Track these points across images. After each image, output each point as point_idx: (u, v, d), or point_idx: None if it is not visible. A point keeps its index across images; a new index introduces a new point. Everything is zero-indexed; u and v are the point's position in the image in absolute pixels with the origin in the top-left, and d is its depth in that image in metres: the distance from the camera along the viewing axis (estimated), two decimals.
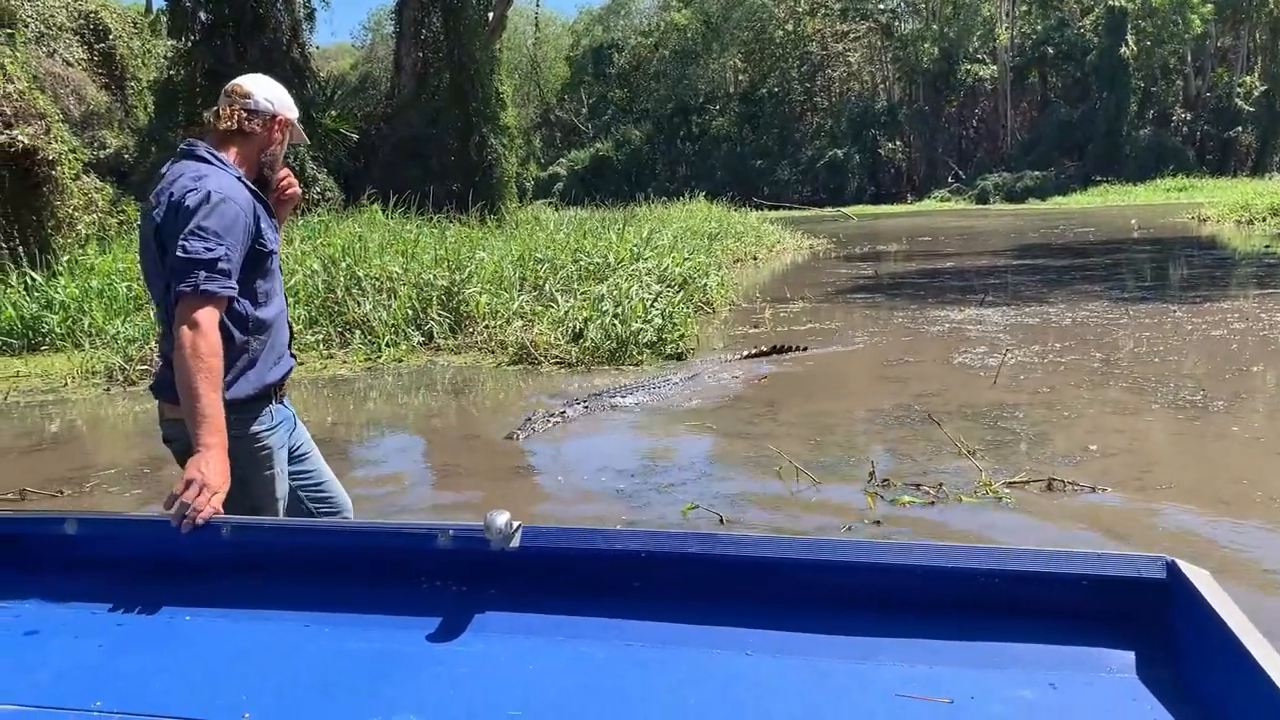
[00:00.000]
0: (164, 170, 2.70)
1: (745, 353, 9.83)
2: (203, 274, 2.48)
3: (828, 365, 9.47)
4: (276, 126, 2.81)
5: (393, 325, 10.62)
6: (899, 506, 5.14)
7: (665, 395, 8.11)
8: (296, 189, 2.98)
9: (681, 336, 10.33)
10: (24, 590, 1.89)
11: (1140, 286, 15.20)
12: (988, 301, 13.66)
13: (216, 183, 2.58)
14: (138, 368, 9.56)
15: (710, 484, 5.68)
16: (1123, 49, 49.92)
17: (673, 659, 1.60)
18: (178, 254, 2.49)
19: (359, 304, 10.93)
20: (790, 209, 43.15)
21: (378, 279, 11.44)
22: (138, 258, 2.85)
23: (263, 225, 2.70)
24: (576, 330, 10.13)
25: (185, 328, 2.45)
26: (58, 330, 11.18)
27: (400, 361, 10.05)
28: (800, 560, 1.73)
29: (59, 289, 11.75)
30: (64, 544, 1.99)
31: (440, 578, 1.85)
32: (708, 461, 6.25)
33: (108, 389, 9.24)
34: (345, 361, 10.10)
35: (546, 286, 11.95)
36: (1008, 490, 5.30)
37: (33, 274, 12.27)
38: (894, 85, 60.81)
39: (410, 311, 10.87)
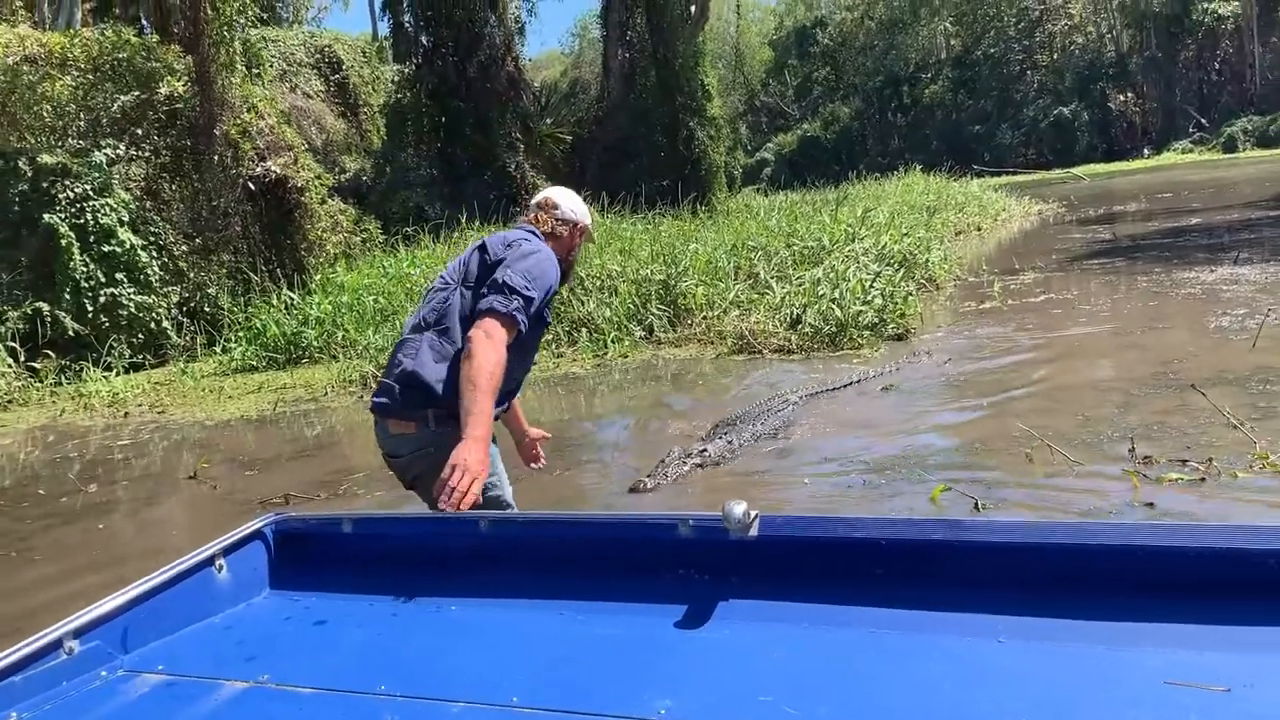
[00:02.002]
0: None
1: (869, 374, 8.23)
2: (518, 301, 3.04)
3: (1069, 340, 8.92)
4: (578, 232, 3.48)
5: (615, 322, 10.88)
6: (1165, 486, 4.77)
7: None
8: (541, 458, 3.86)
9: (902, 316, 10.04)
10: (311, 584, 2.07)
11: None
12: (1242, 259, 12.46)
13: (548, 253, 3.26)
14: None
15: (956, 473, 5.41)
16: None
17: (921, 646, 1.55)
18: (504, 278, 3.06)
19: (583, 303, 11.28)
20: (1014, 174, 41.06)
21: (599, 278, 11.76)
22: (444, 274, 3.42)
23: (552, 299, 3.30)
24: (794, 316, 10.03)
25: (486, 338, 2.95)
26: (315, 344, 12.17)
27: (625, 357, 10.29)
28: (1053, 544, 1.65)
29: (314, 306, 12.80)
30: (342, 541, 2.17)
31: (683, 566, 1.88)
32: (940, 456, 6.00)
33: (361, 396, 9.95)
34: (575, 359, 10.44)
35: (761, 274, 11.90)
36: None
37: (291, 294, 13.40)
38: (1122, 34, 56.53)
39: (631, 308, 11.11)
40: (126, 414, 10.46)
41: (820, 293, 10.31)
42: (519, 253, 3.21)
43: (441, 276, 3.41)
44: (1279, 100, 48.08)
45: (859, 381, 7.94)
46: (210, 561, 2.02)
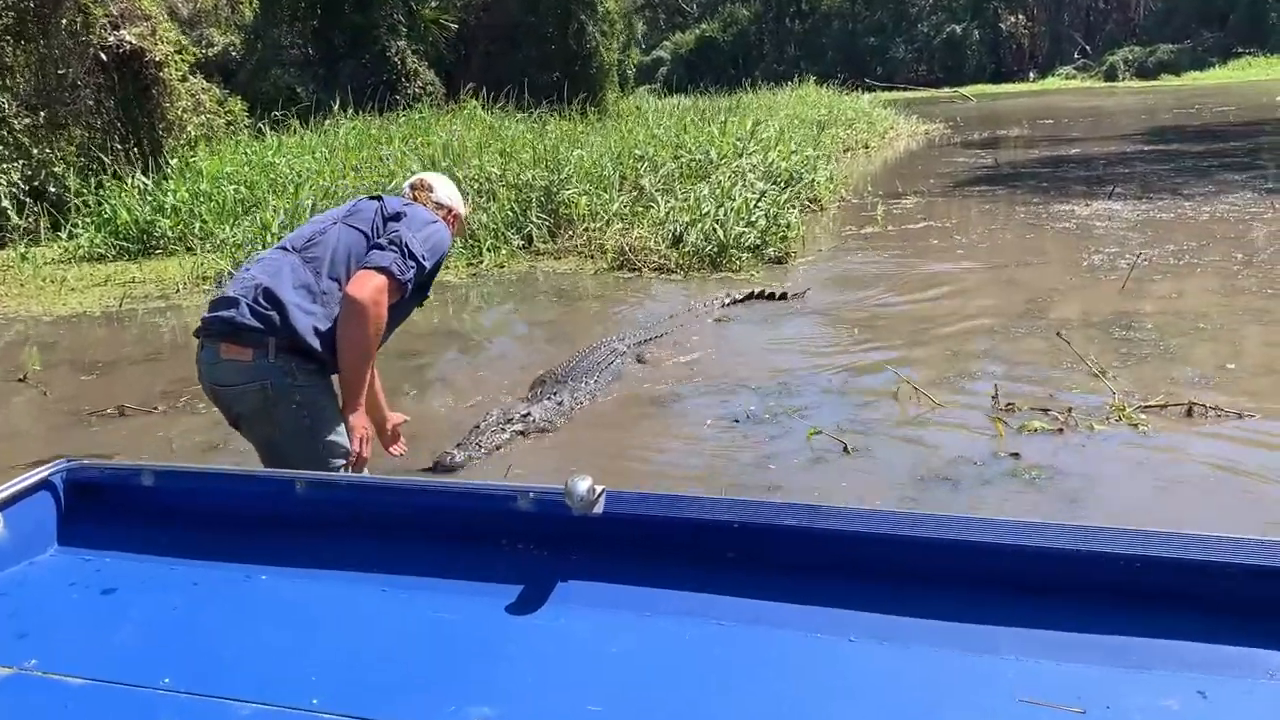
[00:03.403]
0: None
1: (728, 298, 7.89)
2: (413, 267, 3.07)
3: (944, 273, 8.96)
4: (452, 219, 3.46)
5: (493, 229, 10.48)
6: (1027, 434, 4.80)
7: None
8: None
9: (784, 239, 9.94)
10: (105, 542, 1.87)
11: None
12: (1116, 194, 12.79)
13: (445, 229, 3.31)
14: None
15: (824, 413, 5.32)
16: None
17: (768, 641, 1.47)
18: (406, 240, 3.07)
19: None
20: (905, 90, 41.29)
21: (476, 180, 11.28)
22: (322, 216, 3.41)
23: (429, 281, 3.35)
24: (677, 234, 9.82)
25: (374, 300, 2.98)
26: (170, 234, 11.40)
27: (502, 267, 9.95)
28: (912, 538, 1.56)
29: (170, 194, 11.95)
30: (142, 495, 1.95)
31: (522, 540, 1.75)
32: (808, 396, 5.88)
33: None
34: (448, 266, 10.02)
35: (646, 186, 11.61)
36: (1143, 416, 4.92)
37: (145, 179, 12.49)
38: None
39: (510, 214, 10.70)
40: None
41: (704, 210, 10.09)
42: (421, 218, 3.19)
43: (318, 218, 3.39)
44: (1161, 33, 49.47)
45: (722, 307, 7.68)
46: None
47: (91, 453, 5.22)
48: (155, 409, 5.97)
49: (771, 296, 8.01)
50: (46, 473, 1.91)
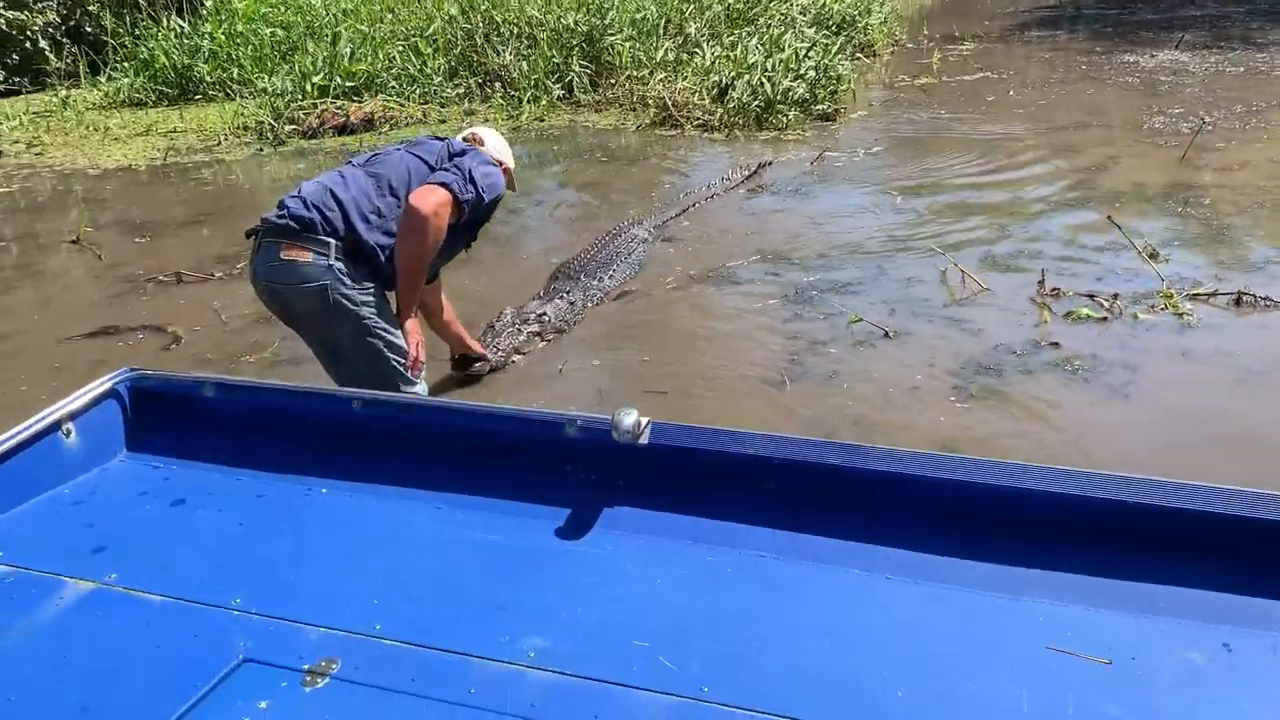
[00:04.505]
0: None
1: (736, 177, 7.54)
2: (473, 191, 3.17)
3: (997, 135, 8.67)
4: (501, 171, 3.49)
5: (533, 78, 10.24)
6: (1072, 322, 4.77)
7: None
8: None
9: (834, 93, 9.62)
10: (170, 449, 1.96)
11: None
12: (1185, 43, 12.13)
13: (502, 177, 3.43)
14: (286, 126, 9.61)
15: (866, 296, 5.27)
16: None
17: (805, 575, 1.53)
18: (467, 166, 3.21)
19: (498, 53, 10.54)
20: None
21: (515, 24, 10.94)
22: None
23: (488, 216, 3.50)
24: (722, 87, 9.53)
25: (434, 212, 3.07)
26: (209, 79, 11.29)
27: (542, 120, 9.78)
28: (952, 480, 1.60)
29: (206, 35, 11.75)
30: (204, 405, 2.02)
31: (570, 464, 1.81)
32: (851, 271, 5.85)
33: (260, 149, 9.37)
34: (487, 118, 9.87)
35: (691, 31, 11.19)
36: (1190, 306, 4.85)
37: (180, 21, 12.25)
38: None
39: (551, 62, 10.42)
40: (0, 153, 9.69)
41: (752, 61, 9.75)
42: (483, 159, 3.33)
43: (387, 147, 3.52)
44: None
45: (757, 171, 7.53)
46: (57, 426, 1.87)
47: (155, 322, 5.37)
48: (212, 275, 6.07)
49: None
50: (110, 381, 1.98)
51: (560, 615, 1.45)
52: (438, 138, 3.54)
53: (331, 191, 3.15)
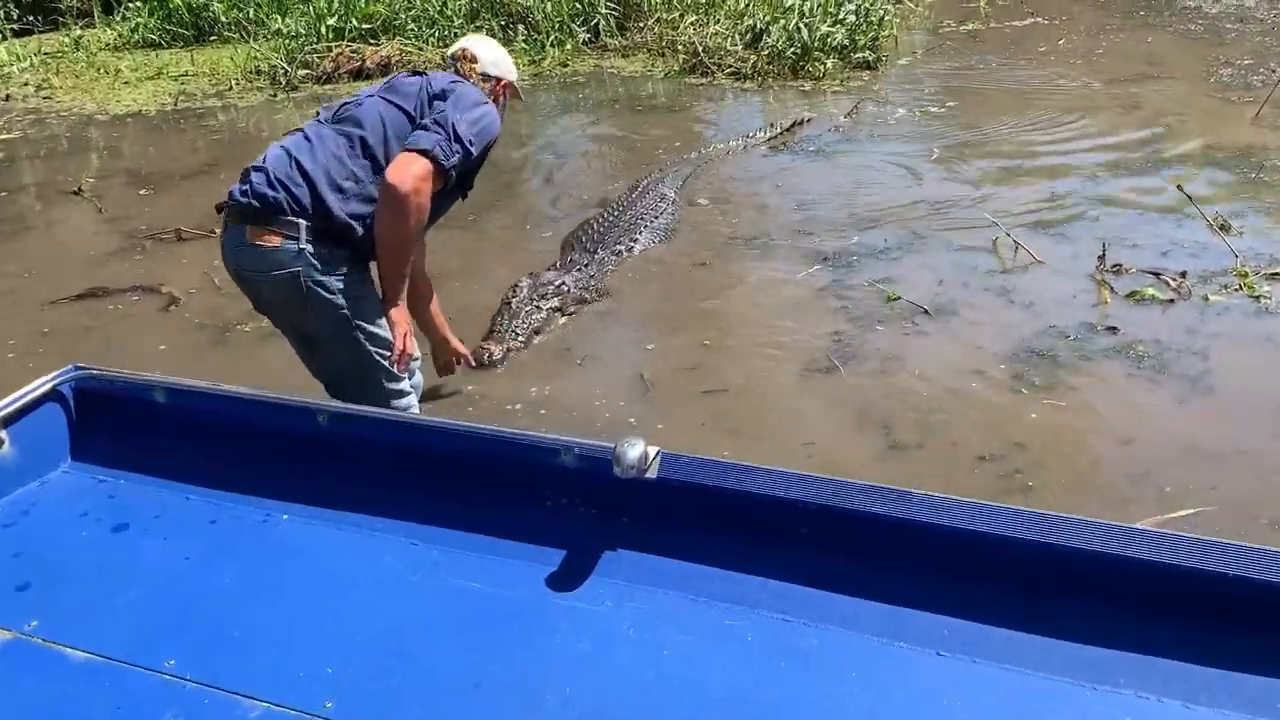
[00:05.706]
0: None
1: (763, 135, 7.05)
2: (459, 152, 2.74)
3: (1049, 88, 8.11)
4: (502, 90, 3.11)
5: (558, 20, 9.77)
6: (1134, 303, 4.37)
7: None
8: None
9: (875, 40, 9.07)
10: (118, 459, 1.79)
11: None
12: None
13: (494, 111, 2.95)
14: (299, 71, 9.25)
15: (909, 268, 4.86)
16: None
17: (838, 646, 1.30)
18: (453, 120, 2.74)
19: None
20: None
21: None
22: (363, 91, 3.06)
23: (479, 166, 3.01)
24: (756, 32, 9.00)
25: (415, 190, 2.67)
26: (224, 19, 10.93)
27: (566, 66, 9.34)
28: (1023, 540, 1.34)
29: None
30: (155, 411, 1.83)
31: (567, 496, 1.58)
32: (891, 238, 5.34)
33: (273, 94, 9.03)
34: None
35: None
36: (1267, 288, 4.42)
37: None
38: None
39: (576, 3, 9.92)
40: (8, 97, 9.41)
41: (789, 4, 9.19)
42: (469, 98, 2.86)
43: (359, 93, 3.02)
44: None
45: (796, 126, 7.11)
46: None
47: (150, 283, 5.08)
48: (212, 232, 5.74)
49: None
50: (55, 382, 1.81)
51: (545, 700, 1.24)
52: (416, 72, 3.05)
53: (297, 161, 2.74)
